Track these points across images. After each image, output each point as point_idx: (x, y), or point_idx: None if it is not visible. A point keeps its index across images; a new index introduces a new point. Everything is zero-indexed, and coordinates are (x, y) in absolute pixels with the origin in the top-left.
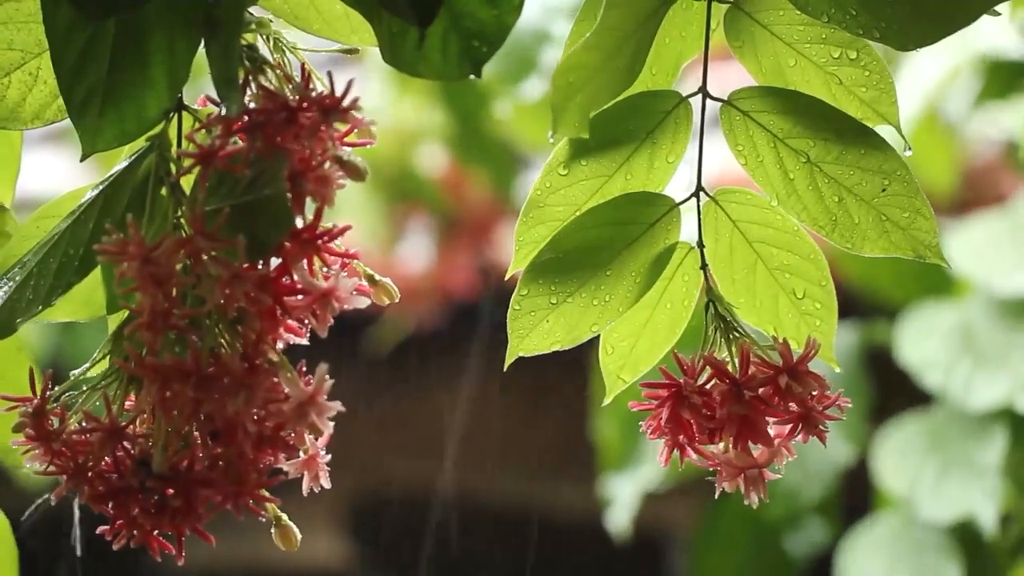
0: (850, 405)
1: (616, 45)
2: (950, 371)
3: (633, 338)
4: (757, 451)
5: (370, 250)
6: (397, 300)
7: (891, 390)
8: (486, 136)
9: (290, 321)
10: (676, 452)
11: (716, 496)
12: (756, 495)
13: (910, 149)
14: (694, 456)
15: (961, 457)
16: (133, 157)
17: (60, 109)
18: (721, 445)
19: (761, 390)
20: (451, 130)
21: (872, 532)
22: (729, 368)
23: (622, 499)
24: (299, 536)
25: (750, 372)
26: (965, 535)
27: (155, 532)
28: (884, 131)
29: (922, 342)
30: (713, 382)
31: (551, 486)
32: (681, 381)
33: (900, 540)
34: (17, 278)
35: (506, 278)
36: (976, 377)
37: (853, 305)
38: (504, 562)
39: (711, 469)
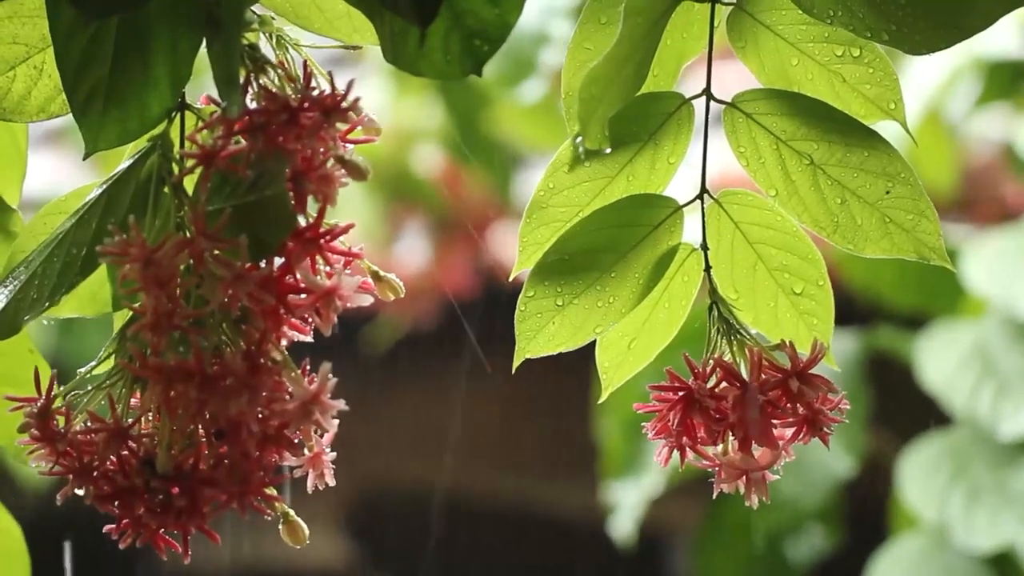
0: (849, 407)
1: (629, 53)
2: (973, 396)
3: (631, 336)
4: (758, 452)
5: (368, 249)
6: (402, 296)
7: (891, 395)
8: (484, 136)
9: (294, 320)
10: (676, 453)
11: (714, 496)
12: (758, 497)
13: (916, 143)
14: (693, 457)
15: (990, 484)
16: (136, 156)
17: (65, 103)
18: (720, 447)
19: (771, 393)
20: (449, 130)
21: (901, 553)
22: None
23: (626, 505)
24: (307, 531)
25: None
26: (999, 562)
27: (160, 531)
28: (887, 128)
29: (942, 364)
30: (722, 385)
31: (551, 486)
32: (691, 384)
33: (932, 564)
34: (22, 277)
35: (510, 279)
36: (1001, 405)
37: (855, 312)
38: (504, 562)
39: (711, 470)
